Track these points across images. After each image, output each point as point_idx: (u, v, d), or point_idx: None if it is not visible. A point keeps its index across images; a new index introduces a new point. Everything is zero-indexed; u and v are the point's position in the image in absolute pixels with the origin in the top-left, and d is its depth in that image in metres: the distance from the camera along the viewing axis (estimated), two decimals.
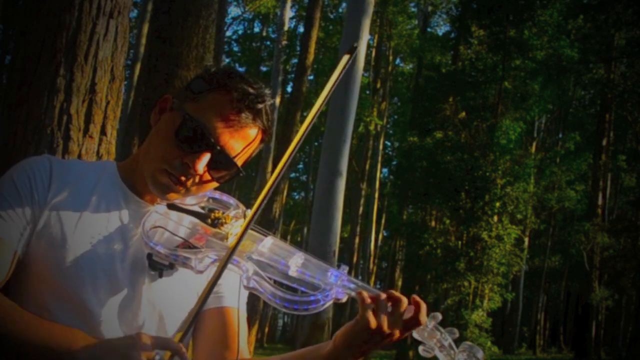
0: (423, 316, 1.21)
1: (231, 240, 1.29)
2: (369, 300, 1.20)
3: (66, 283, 1.24)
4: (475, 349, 1.21)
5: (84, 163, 1.47)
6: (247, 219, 1.23)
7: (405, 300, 1.21)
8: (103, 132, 1.96)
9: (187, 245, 1.29)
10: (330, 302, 1.22)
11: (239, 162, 1.32)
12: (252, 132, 1.32)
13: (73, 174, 1.33)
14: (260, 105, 1.30)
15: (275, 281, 1.26)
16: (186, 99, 1.31)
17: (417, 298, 1.22)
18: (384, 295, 1.21)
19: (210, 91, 1.30)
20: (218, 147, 1.27)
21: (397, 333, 1.21)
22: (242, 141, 1.30)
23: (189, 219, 1.35)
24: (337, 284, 1.22)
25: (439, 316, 1.23)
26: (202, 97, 1.30)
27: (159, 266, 1.27)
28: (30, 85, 1.90)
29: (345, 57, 1.23)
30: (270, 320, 28.96)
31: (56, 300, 1.25)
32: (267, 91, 1.33)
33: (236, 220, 1.35)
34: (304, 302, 1.21)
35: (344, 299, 1.22)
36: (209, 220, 1.33)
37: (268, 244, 1.29)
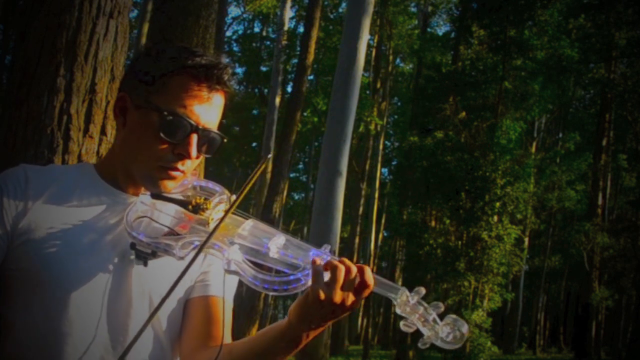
0: (369, 277, 1.20)
1: (212, 226, 1.31)
2: (320, 271, 1.19)
3: (55, 282, 1.26)
4: (459, 323, 1.19)
5: (61, 166, 1.51)
6: (229, 208, 1.26)
7: (354, 267, 1.20)
8: (103, 132, 1.96)
9: (171, 233, 1.31)
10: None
11: (218, 128, 1.37)
12: (221, 99, 1.36)
13: (51, 177, 1.35)
14: (225, 76, 1.33)
15: (258, 264, 1.27)
16: (148, 92, 1.31)
17: (360, 264, 1.22)
18: (338, 265, 1.19)
19: (169, 75, 1.30)
20: (201, 127, 1.31)
21: (349, 301, 1.20)
22: (215, 110, 1.35)
23: (174, 208, 1.37)
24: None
25: (422, 291, 1.21)
26: (163, 84, 1.30)
27: (143, 255, 1.28)
28: (30, 85, 1.90)
29: (262, 165, 1.29)
30: (270, 320, 28.96)
31: (46, 300, 1.26)
32: (220, 57, 1.36)
33: (217, 205, 1.36)
34: (284, 282, 1.21)
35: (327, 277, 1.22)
36: (190, 207, 1.35)
37: (248, 227, 1.31)
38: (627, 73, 21.41)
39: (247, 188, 1.27)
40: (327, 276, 1.19)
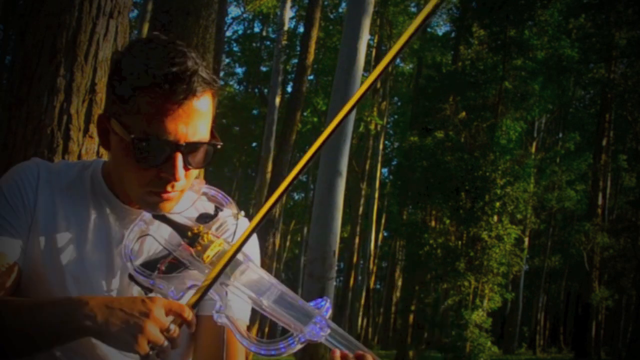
0: None
1: (208, 261, 1.24)
2: None
3: (53, 292, 1.24)
4: None
5: (70, 167, 1.38)
6: (225, 257, 1.16)
7: (369, 357, 1.15)
8: None
9: (170, 261, 1.24)
10: (305, 343, 1.17)
11: (208, 136, 1.21)
12: (203, 102, 1.19)
13: (61, 179, 1.31)
14: (196, 84, 1.15)
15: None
16: (121, 111, 1.17)
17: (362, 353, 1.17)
18: None
19: (137, 92, 1.14)
20: (184, 144, 1.16)
21: None
22: (200, 117, 1.18)
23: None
24: (309, 329, 1.17)
25: None
26: (133, 103, 1.15)
27: (143, 287, 1.22)
28: (30, 85, 1.90)
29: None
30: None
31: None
32: (189, 56, 1.16)
33: (217, 234, 1.28)
34: (273, 348, 1.17)
35: (321, 340, 1.17)
36: (187, 240, 1.24)
37: (242, 272, 1.22)
38: (627, 73, 21.42)
39: (234, 249, 1.18)
40: None
